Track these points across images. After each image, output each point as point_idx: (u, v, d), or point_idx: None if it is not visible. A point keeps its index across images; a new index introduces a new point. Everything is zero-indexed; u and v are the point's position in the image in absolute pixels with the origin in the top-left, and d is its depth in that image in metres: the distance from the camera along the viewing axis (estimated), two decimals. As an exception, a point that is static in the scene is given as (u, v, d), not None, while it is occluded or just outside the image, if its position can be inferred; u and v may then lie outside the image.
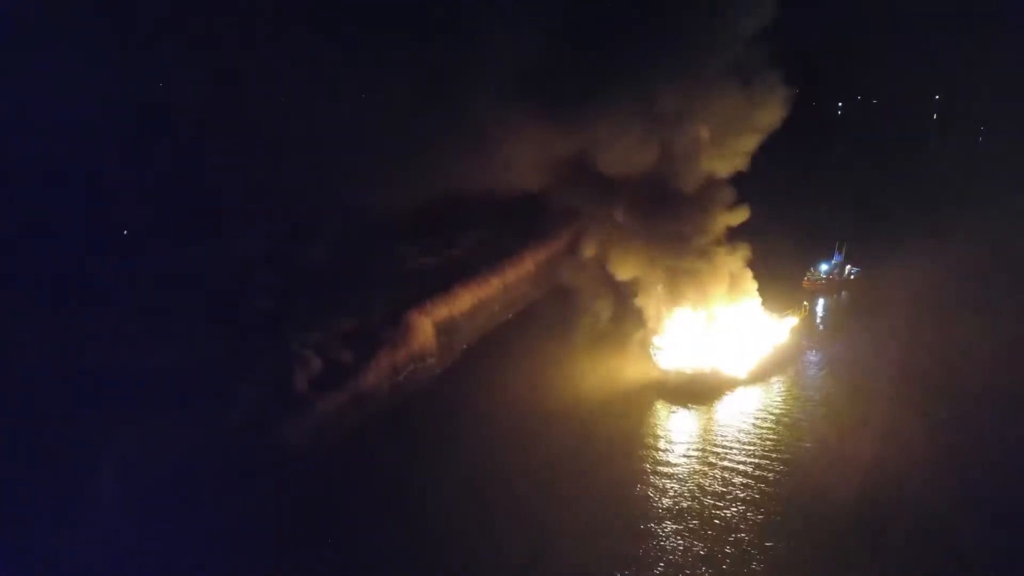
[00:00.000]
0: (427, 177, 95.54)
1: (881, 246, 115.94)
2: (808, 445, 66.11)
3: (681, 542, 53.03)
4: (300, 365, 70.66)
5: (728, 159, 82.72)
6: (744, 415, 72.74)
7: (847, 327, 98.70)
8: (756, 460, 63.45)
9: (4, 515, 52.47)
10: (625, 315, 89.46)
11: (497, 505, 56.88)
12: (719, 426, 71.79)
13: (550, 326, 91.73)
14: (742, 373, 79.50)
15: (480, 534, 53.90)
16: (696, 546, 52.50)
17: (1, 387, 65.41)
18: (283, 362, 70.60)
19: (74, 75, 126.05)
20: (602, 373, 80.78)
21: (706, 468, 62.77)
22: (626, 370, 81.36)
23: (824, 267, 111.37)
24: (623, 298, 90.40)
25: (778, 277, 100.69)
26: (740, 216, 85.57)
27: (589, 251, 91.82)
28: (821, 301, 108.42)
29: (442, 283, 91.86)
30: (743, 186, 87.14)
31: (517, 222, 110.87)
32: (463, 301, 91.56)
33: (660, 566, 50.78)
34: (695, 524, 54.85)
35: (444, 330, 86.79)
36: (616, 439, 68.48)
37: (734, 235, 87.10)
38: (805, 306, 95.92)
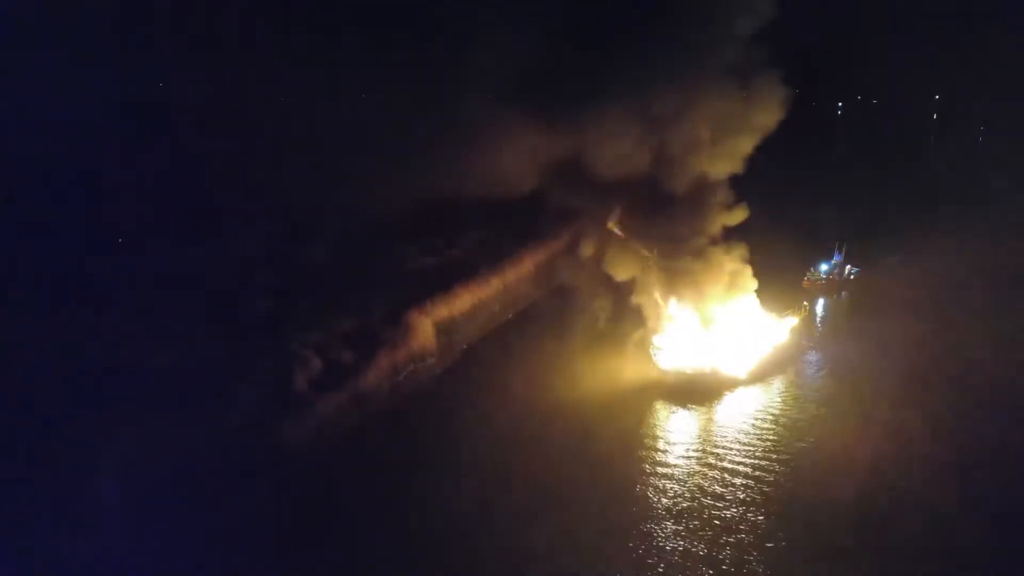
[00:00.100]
0: (426, 177, 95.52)
1: (881, 246, 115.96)
2: (808, 445, 66.11)
3: (681, 543, 53.04)
4: (300, 365, 70.62)
5: (726, 160, 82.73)
6: (744, 415, 72.73)
7: (847, 327, 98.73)
8: (756, 460, 63.44)
9: (4, 515, 52.45)
10: (625, 315, 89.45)
11: (497, 505, 56.85)
12: (719, 426, 71.82)
13: (550, 326, 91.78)
14: (742, 373, 79.50)
15: (480, 534, 53.88)
16: (696, 547, 52.51)
17: (1, 387, 65.42)
18: (283, 362, 70.55)
19: (74, 75, 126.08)
20: (602, 373, 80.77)
21: (706, 468, 62.76)
22: (626, 370, 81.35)
23: (824, 267, 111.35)
24: (623, 298, 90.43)
25: (778, 277, 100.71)
26: (738, 216, 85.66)
27: (588, 251, 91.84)
28: (821, 301, 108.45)
29: (442, 283, 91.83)
30: (743, 186, 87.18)
31: (517, 222, 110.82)
32: (463, 301, 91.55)
33: (660, 567, 50.78)
34: (695, 524, 54.86)
35: (444, 330, 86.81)
36: (616, 439, 68.45)
37: (734, 235, 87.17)
38: (805, 306, 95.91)
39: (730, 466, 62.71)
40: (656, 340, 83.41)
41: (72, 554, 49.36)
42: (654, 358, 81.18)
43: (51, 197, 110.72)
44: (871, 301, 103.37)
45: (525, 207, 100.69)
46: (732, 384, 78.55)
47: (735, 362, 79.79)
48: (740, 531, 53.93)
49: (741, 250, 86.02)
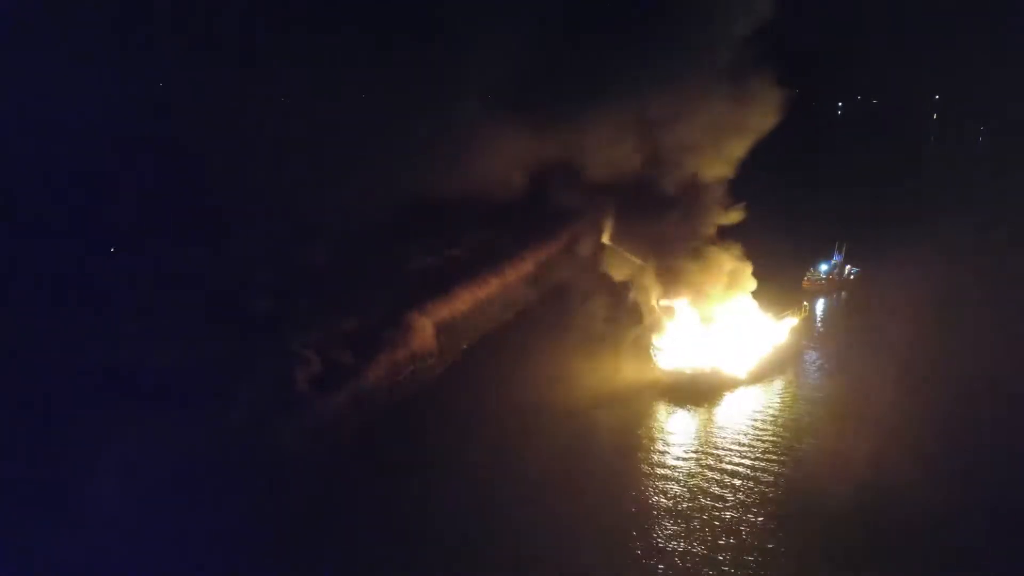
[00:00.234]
0: (425, 177, 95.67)
1: (881, 246, 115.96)
2: (808, 446, 66.13)
3: (681, 544, 53.03)
4: (300, 365, 70.64)
5: (723, 161, 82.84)
6: (744, 415, 72.73)
7: (847, 327, 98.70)
8: (756, 461, 63.43)
9: (4, 515, 52.46)
10: (625, 314, 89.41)
11: (497, 506, 56.83)
12: (719, 427, 71.82)
13: (550, 326, 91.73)
14: (742, 373, 79.51)
15: (479, 534, 53.85)
16: (696, 547, 52.50)
17: (1, 387, 65.42)
18: (283, 362, 70.56)
19: (74, 75, 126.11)
20: (602, 373, 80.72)
21: (706, 469, 62.74)
22: (626, 370, 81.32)
23: (824, 267, 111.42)
24: (622, 297, 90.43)
25: (778, 277, 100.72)
26: (735, 216, 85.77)
27: (587, 251, 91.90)
28: (821, 301, 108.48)
29: (442, 283, 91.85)
30: (743, 186, 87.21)
31: (517, 222, 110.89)
32: (463, 301, 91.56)
33: (660, 568, 50.78)
34: (695, 525, 54.85)
35: (444, 330, 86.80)
36: (616, 439, 68.52)
37: (734, 236, 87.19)
38: (805, 306, 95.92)
39: (730, 467, 62.70)
40: (656, 340, 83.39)
41: (72, 554, 49.34)
42: (654, 358, 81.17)
43: (51, 197, 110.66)
44: (871, 301, 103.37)
45: (525, 207, 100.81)
46: (732, 384, 78.57)
47: (735, 362, 79.77)
48: (740, 532, 53.92)
49: (737, 249, 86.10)
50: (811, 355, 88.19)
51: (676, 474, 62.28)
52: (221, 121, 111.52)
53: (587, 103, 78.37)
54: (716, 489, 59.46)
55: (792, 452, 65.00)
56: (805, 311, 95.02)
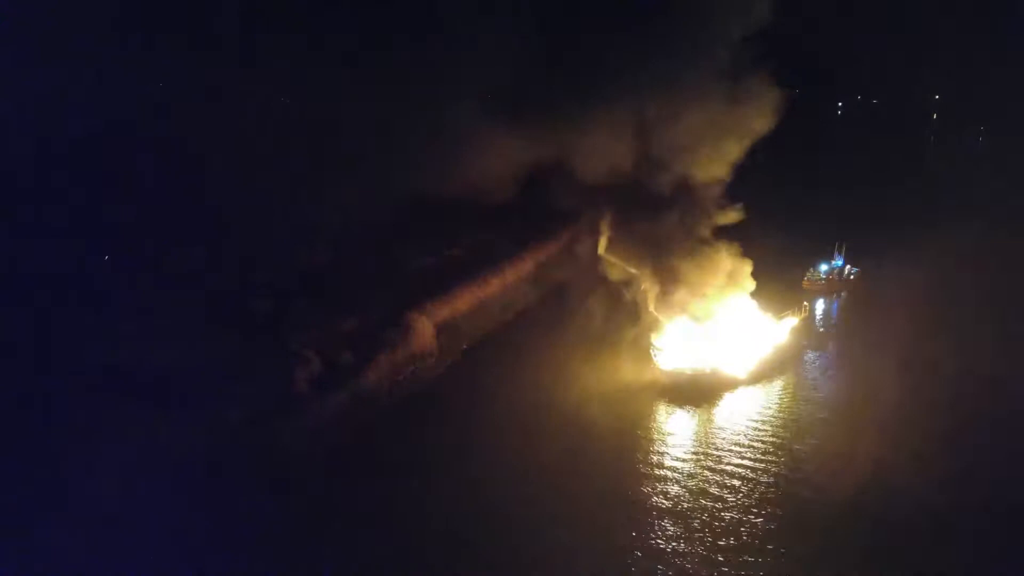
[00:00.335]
0: (424, 178, 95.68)
1: (881, 246, 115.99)
2: (808, 446, 66.12)
3: (681, 544, 53.04)
4: (300, 365, 70.66)
5: (722, 162, 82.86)
6: (744, 416, 72.74)
7: (847, 327, 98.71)
8: (756, 461, 63.44)
9: (4, 515, 52.46)
10: (624, 314, 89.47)
11: (496, 506, 56.84)
12: (718, 427, 71.81)
13: (550, 326, 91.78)
14: (742, 374, 79.53)
15: (479, 535, 53.88)
16: (696, 548, 52.51)
17: (1, 387, 65.39)
18: (283, 362, 70.58)
19: (75, 75, 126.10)
20: (601, 373, 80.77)
21: (705, 470, 62.76)
22: (625, 370, 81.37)
23: (824, 267, 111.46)
24: (622, 297, 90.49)
25: (778, 277, 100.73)
26: (733, 216, 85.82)
27: (586, 251, 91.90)
28: (821, 301, 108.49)
29: (442, 283, 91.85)
30: (743, 187, 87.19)
31: (517, 222, 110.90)
32: (463, 301, 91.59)
33: (660, 568, 50.80)
34: (695, 526, 54.88)
35: (444, 330, 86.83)
36: (615, 440, 68.41)
37: (734, 236, 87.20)
38: (805, 307, 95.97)
39: (730, 467, 62.73)
40: (656, 340, 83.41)
41: (72, 554, 49.35)
42: (654, 358, 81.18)
43: (51, 197, 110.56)
44: (871, 301, 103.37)
45: (524, 208, 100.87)
46: (732, 384, 78.58)
47: (735, 362, 79.78)
48: (740, 533, 53.93)
49: (734, 249, 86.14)
50: (811, 355, 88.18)
51: (676, 475, 62.29)
52: (221, 121, 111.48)
53: (587, 103, 78.37)
54: (716, 490, 59.49)
55: (792, 452, 65.02)
56: (805, 311, 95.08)
